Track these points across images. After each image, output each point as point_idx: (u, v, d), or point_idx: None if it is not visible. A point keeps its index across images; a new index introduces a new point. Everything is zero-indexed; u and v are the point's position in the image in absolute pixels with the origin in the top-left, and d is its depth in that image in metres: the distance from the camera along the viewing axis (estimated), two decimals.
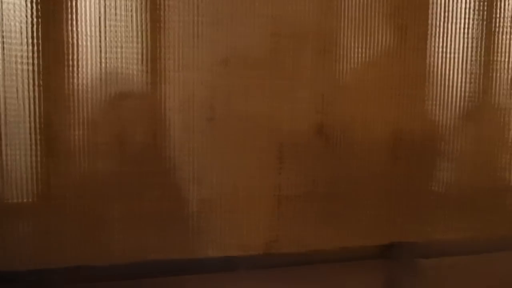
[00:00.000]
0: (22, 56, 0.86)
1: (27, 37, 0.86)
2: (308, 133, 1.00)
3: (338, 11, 0.99)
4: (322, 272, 1.09)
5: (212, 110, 0.96)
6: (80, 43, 0.89)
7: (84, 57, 0.90)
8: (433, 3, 1.05)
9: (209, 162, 0.97)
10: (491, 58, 1.11)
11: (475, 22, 1.08)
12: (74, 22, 0.88)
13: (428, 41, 1.06)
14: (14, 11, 0.85)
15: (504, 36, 1.11)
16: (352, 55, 1.01)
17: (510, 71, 1.12)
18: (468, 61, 1.09)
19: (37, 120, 0.88)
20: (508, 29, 1.11)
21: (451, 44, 1.08)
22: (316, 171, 1.01)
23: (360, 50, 1.01)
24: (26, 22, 0.86)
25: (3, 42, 0.85)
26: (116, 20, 0.90)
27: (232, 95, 0.96)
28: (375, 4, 1.01)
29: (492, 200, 1.14)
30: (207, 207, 0.98)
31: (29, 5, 0.86)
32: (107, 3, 0.89)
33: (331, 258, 1.10)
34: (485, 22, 1.09)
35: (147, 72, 0.93)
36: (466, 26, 1.08)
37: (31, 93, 0.87)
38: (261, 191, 0.99)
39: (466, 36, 1.08)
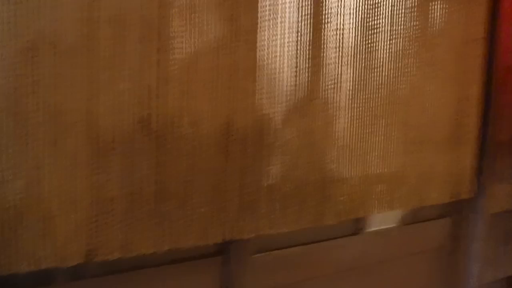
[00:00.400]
0: None
1: None
2: (131, 128, 0.92)
3: None
4: (153, 276, 1.03)
5: (16, 103, 0.83)
6: None
7: None
8: None
9: (13, 163, 0.83)
10: (319, 53, 1.13)
11: (304, 17, 1.10)
12: None
13: (258, 34, 1.04)
14: None
15: (331, 32, 1.15)
16: (179, 45, 0.95)
17: (337, 65, 1.16)
18: (297, 56, 1.10)
19: None
20: (335, 25, 1.15)
21: (280, 38, 1.07)
22: (142, 169, 0.94)
23: (187, 40, 0.96)
24: None
25: None
26: None
27: (40, 86, 0.84)
28: None
29: (320, 192, 1.17)
30: (13, 215, 0.85)
31: None
32: None
33: (163, 261, 1.03)
34: (313, 18, 1.11)
35: None
36: (295, 20, 1.09)
37: None
38: (77, 194, 0.88)
39: (295, 30, 1.09)
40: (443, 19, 1.35)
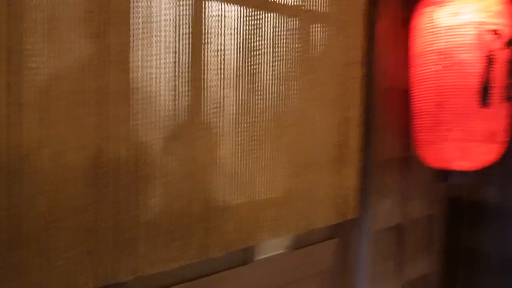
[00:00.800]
0: None
1: None
2: None
3: (12, 9, 0.79)
4: None
5: None
6: None
7: None
8: (134, 12, 0.94)
9: None
10: (199, 75, 1.06)
11: (182, 36, 1.02)
12: None
13: (130, 54, 0.95)
14: None
15: (211, 53, 1.08)
16: (36, 64, 0.82)
17: (219, 88, 1.10)
18: (176, 78, 1.02)
19: None
20: (216, 46, 1.09)
21: (156, 59, 0.99)
22: None
23: (46, 59, 0.83)
24: None
25: None
26: None
27: None
28: (62, 6, 0.84)
29: (205, 223, 1.08)
30: None
31: None
32: None
33: None
34: (192, 38, 1.04)
35: None
36: (172, 40, 1.01)
37: None
38: None
39: (172, 50, 1.01)
40: (323, 42, 1.36)
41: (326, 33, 1.37)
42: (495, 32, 1.40)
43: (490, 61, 1.41)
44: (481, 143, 1.49)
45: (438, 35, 1.47)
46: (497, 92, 1.43)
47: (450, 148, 1.52)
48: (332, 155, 1.40)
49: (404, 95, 1.65)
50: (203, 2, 1.04)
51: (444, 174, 1.65)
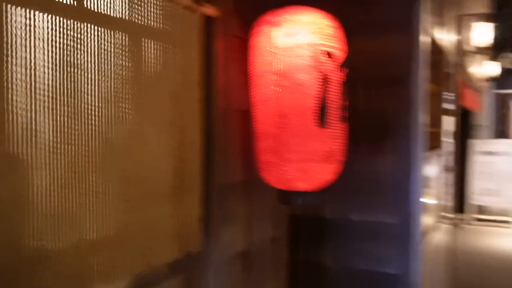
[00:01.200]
0: None
1: None
2: None
3: None
4: None
5: None
6: None
7: None
8: None
9: None
10: (1, 95, 0.86)
11: None
12: None
13: None
14: None
15: (17, 69, 0.89)
16: None
17: (28, 111, 0.90)
18: None
19: None
20: (23, 60, 0.90)
21: None
22: None
23: None
24: None
25: None
26: None
27: None
28: None
29: (14, 278, 0.87)
30: None
31: None
32: None
33: None
34: None
35: None
36: None
37: None
38: None
39: None
40: (158, 60, 1.24)
41: (160, 51, 1.25)
42: (328, 54, 1.43)
43: (325, 82, 1.43)
44: (319, 163, 1.50)
45: (276, 55, 1.45)
46: (333, 113, 1.46)
47: (291, 169, 1.51)
48: (171, 182, 1.28)
49: (245, 117, 1.60)
50: (3, 5, 0.85)
51: (287, 195, 1.63)
